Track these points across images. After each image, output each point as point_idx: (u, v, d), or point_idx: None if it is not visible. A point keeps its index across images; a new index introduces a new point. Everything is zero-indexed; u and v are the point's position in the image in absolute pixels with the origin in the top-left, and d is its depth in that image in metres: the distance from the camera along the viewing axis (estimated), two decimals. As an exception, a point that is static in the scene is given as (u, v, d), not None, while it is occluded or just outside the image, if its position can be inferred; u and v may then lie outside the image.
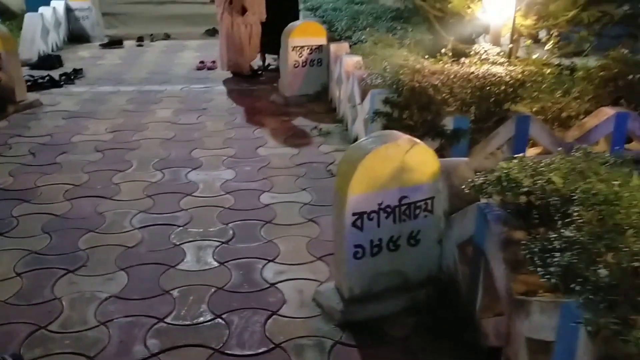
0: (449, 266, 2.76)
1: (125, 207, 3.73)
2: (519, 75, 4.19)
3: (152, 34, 9.85)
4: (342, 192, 2.53)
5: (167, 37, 9.97)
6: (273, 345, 2.48)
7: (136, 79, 7.14)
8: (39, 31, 8.11)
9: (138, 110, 5.80)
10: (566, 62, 4.94)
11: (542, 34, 5.69)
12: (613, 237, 1.84)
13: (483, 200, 2.46)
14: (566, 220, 2.02)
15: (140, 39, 9.51)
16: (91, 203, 3.77)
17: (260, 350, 2.45)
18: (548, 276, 1.86)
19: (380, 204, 2.58)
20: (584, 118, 4.10)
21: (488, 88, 4.09)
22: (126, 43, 9.40)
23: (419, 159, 2.61)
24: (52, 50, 8.57)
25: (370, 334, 2.54)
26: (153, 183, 4.11)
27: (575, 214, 2.02)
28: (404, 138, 2.60)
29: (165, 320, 2.64)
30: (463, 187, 2.54)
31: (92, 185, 4.04)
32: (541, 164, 2.49)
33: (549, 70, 4.50)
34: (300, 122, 5.48)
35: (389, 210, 2.61)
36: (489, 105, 4.12)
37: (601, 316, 1.61)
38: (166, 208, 3.72)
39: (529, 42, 5.11)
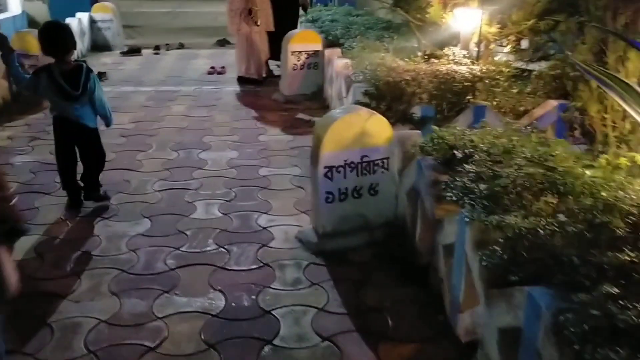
0: (401, 212, 3.54)
1: (147, 177, 4.55)
2: (478, 73, 4.98)
3: (167, 44, 10.74)
4: (316, 150, 3.34)
5: (181, 46, 10.85)
6: (262, 264, 3.27)
7: (154, 81, 8.00)
8: (67, 40, 8.99)
9: (156, 106, 6.65)
10: (524, 65, 5.72)
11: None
12: (498, 168, 2.63)
13: (421, 157, 3.25)
14: (470, 161, 2.82)
15: (157, 47, 10.41)
16: (119, 174, 4.59)
17: (252, 267, 3.24)
18: (450, 195, 2.65)
19: (345, 161, 3.37)
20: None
21: (451, 83, 4.88)
22: (144, 51, 10.28)
23: (376, 127, 3.41)
24: (78, 57, 9.46)
25: (337, 259, 3.32)
26: (170, 160, 4.93)
27: (477, 156, 2.81)
28: (364, 110, 3.41)
29: (181, 249, 3.44)
30: (412, 150, 3.34)
31: (120, 161, 4.85)
32: (467, 130, 3.29)
33: (507, 70, 5.28)
34: (297, 116, 6.30)
35: (352, 165, 3.40)
36: (452, 97, 4.90)
37: (478, 214, 2.39)
38: (181, 177, 4.54)
39: (492, 46, 5.90)
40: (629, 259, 1.88)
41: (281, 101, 6.84)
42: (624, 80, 2.62)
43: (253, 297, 2.96)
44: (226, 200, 4.12)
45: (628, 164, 2.78)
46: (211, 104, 6.80)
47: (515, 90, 5.09)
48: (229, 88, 7.63)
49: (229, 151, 5.15)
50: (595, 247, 1.99)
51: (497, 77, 5.15)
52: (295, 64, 6.80)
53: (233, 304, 2.90)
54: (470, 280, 2.46)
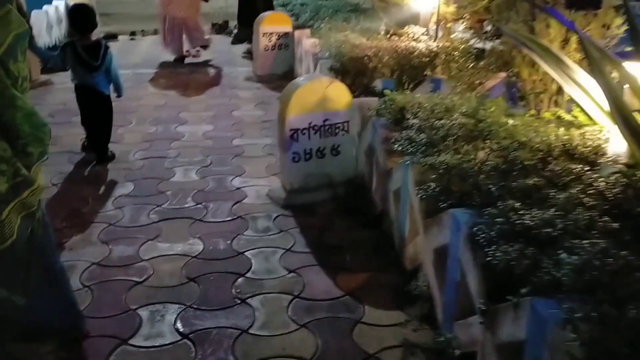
0: (360, 170, 3.95)
1: (128, 148, 4.89)
2: (435, 49, 5.40)
3: (143, 30, 10.99)
4: (283, 114, 3.73)
5: (156, 32, 11.06)
6: (236, 217, 3.66)
7: (131, 64, 8.27)
8: (45, 26, 9.23)
9: (134, 86, 6.95)
10: (480, 43, 6.16)
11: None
12: (438, 122, 3.05)
13: (376, 118, 3.65)
14: (415, 117, 3.23)
15: (132, 33, 10.66)
16: (102, 145, 4.92)
17: (227, 219, 3.63)
18: (397, 145, 3.06)
19: (310, 124, 3.77)
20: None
21: (410, 58, 5.30)
22: (120, 37, 10.52)
23: (336, 93, 3.80)
24: (55, 43, 9.68)
25: (303, 211, 3.72)
26: (149, 133, 5.28)
27: (421, 113, 3.23)
28: (325, 77, 3.81)
29: (162, 206, 3.82)
30: (369, 114, 3.75)
31: (102, 135, 5.18)
32: (416, 95, 3.71)
33: (462, 47, 5.71)
34: (268, 93, 6.66)
35: (316, 128, 3.80)
36: (411, 71, 5.32)
37: (418, 158, 2.81)
38: (160, 148, 4.90)
39: (449, 25, 6.33)
40: (532, 182, 2.31)
41: (254, 80, 7.19)
42: (543, 44, 3.05)
43: (228, 242, 3.35)
44: (203, 166, 4.50)
45: (551, 117, 3.23)
46: (187, 83, 7.13)
47: (469, 65, 5.52)
48: (205, 69, 7.95)
49: (205, 125, 5.51)
50: (508, 176, 2.41)
51: (454, 53, 5.57)
52: (266, 45, 7.16)
53: (210, 248, 3.29)
54: (413, 216, 2.88)
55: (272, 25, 7.13)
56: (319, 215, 3.67)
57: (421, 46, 5.44)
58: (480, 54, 5.96)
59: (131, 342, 2.52)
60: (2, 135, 1.98)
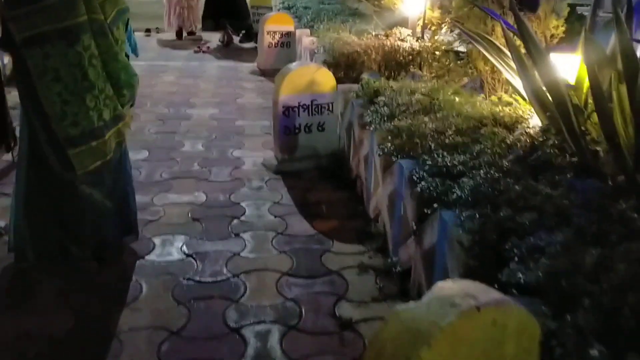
0: (342, 144, 4.65)
1: (144, 125, 5.60)
2: (417, 48, 6.10)
3: (157, 27, 11.74)
4: (277, 94, 4.43)
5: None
6: (234, 179, 4.36)
7: (146, 57, 8.97)
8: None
9: (149, 76, 7.66)
10: (461, 46, 6.85)
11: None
12: (401, 100, 3.74)
13: (355, 99, 4.35)
14: (383, 95, 3.93)
15: (147, 30, 11.41)
16: (121, 122, 5.63)
17: (226, 180, 4.34)
18: (367, 117, 3.75)
19: (299, 102, 4.47)
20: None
21: (395, 55, 5.99)
22: (137, 34, 11.25)
23: (323, 77, 4.51)
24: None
25: (291, 176, 4.41)
26: (162, 113, 6.00)
27: (388, 93, 3.92)
28: (313, 64, 4.51)
29: (172, 168, 4.52)
30: (350, 96, 4.44)
31: (121, 113, 5.90)
32: (390, 81, 4.40)
33: (442, 47, 6.40)
34: (270, 85, 7.32)
35: (304, 107, 4.50)
36: (395, 67, 6.01)
37: (380, 126, 3.49)
38: (171, 125, 5.61)
39: (434, 28, 7.03)
40: (460, 140, 2.99)
41: (258, 74, 7.90)
42: (489, 38, 3.73)
43: (227, 195, 4.05)
44: (208, 140, 5.21)
45: (496, 99, 3.92)
46: (197, 75, 7.85)
47: (449, 63, 6.21)
48: (214, 63, 8.68)
49: (211, 109, 6.23)
50: (444, 136, 3.10)
51: (435, 52, 6.26)
52: (270, 42, 7.88)
53: (212, 199, 3.99)
54: (376, 173, 3.57)
55: (276, 24, 7.85)
56: (304, 180, 4.36)
57: (406, 45, 6.13)
58: (460, 54, 6.66)
59: (147, 257, 3.21)
60: (107, 80, 2.92)
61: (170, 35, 10.72)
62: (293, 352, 2.46)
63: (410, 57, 6.11)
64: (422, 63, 6.16)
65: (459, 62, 6.37)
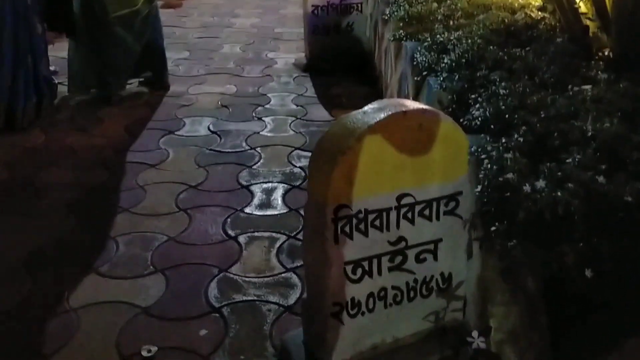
0: (369, 45, 4.82)
1: (188, 31, 5.92)
2: None
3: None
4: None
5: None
6: (265, 75, 4.64)
7: None
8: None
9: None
10: None
11: None
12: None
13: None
14: None
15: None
16: (166, 29, 5.96)
17: (258, 76, 4.62)
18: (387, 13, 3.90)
19: (328, 2, 4.64)
20: None
21: None
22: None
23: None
24: None
25: (317, 72, 4.64)
26: (207, 21, 6.30)
27: None
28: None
29: (209, 66, 4.84)
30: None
31: (166, 21, 6.23)
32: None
33: None
34: None
35: (334, 6, 4.67)
36: None
37: (395, 14, 3.64)
38: (214, 32, 5.92)
39: None
40: (464, 22, 3.14)
41: None
42: None
43: (255, 88, 4.35)
44: (246, 44, 5.48)
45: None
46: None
47: None
48: None
49: (253, 18, 6.46)
50: (451, 19, 3.24)
51: None
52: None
53: (241, 91, 4.30)
54: (391, 63, 3.76)
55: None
56: (330, 77, 4.58)
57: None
58: None
59: (177, 133, 3.58)
60: None
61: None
62: (293, 204, 2.78)
63: None
64: None
65: None
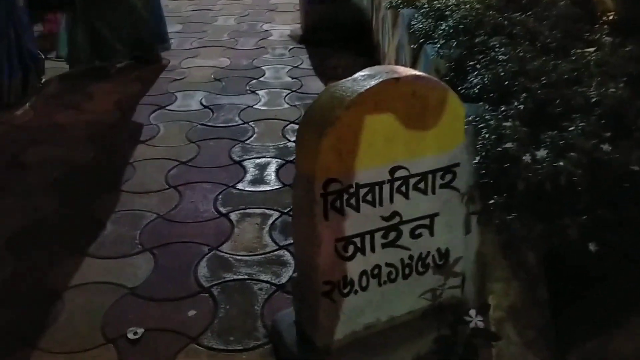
0: (368, 16, 4.68)
1: (180, 3, 5.77)
2: None
3: None
4: (301, -38, 4.46)
5: None
6: (260, 47, 4.52)
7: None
8: None
9: None
10: None
11: None
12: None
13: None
14: None
15: None
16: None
17: (252, 48, 4.50)
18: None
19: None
20: None
21: None
22: None
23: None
24: None
25: (315, 44, 4.52)
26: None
27: None
28: None
29: (203, 38, 4.72)
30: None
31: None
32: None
33: None
34: None
35: (329, -25, 4.53)
36: None
37: None
38: (208, 3, 5.78)
39: None
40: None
41: None
42: None
43: (249, 60, 4.24)
44: (241, 16, 5.35)
45: None
46: None
47: None
48: None
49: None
50: None
51: None
52: None
53: (235, 63, 4.19)
54: (388, 31, 3.64)
55: None
56: (327, 48, 4.46)
57: None
58: None
59: (168, 108, 3.48)
60: None
61: None
62: (287, 180, 2.69)
63: None
64: None
65: None
